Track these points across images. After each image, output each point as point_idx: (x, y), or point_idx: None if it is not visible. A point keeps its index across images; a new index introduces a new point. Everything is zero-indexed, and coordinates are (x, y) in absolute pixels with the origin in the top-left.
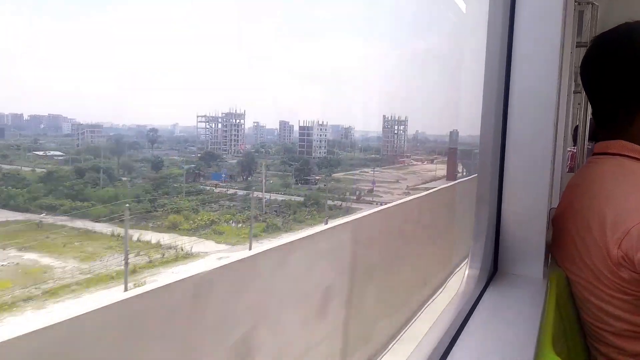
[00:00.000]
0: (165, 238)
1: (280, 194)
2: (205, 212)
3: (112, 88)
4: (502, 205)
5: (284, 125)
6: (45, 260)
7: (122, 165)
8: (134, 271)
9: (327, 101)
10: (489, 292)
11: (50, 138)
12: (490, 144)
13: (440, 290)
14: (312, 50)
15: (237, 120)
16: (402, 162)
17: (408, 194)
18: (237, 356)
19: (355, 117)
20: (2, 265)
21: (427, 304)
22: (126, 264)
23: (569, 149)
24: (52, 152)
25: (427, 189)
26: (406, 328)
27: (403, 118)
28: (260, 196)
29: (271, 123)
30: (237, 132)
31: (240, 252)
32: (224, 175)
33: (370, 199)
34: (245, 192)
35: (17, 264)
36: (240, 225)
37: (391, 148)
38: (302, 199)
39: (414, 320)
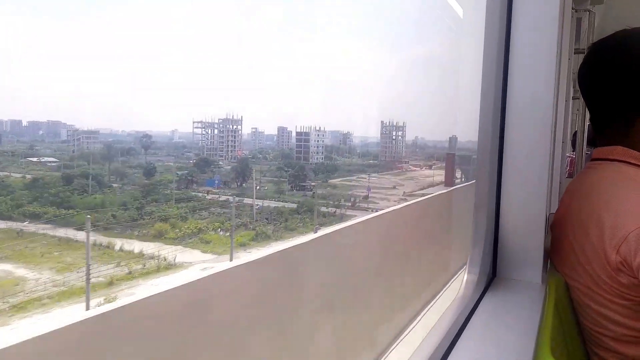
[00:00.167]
0: (150, 247)
1: (274, 200)
2: (193, 220)
3: (114, 94)
4: (500, 211)
5: (282, 131)
6: (20, 271)
7: (114, 172)
8: (110, 283)
9: (327, 107)
10: (488, 297)
11: (47, 144)
12: (488, 149)
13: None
14: (312, 55)
15: (234, 126)
16: (400, 168)
17: (405, 200)
18: None
19: (355, 123)
20: None
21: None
22: (88, 279)
23: (568, 154)
24: (45, 159)
25: (424, 195)
26: None
27: (401, 124)
28: (253, 203)
29: (271, 129)
30: (235, 137)
31: (222, 264)
32: (217, 182)
33: (366, 205)
34: (237, 199)
35: None
36: (228, 234)
37: (389, 154)
38: (295, 205)
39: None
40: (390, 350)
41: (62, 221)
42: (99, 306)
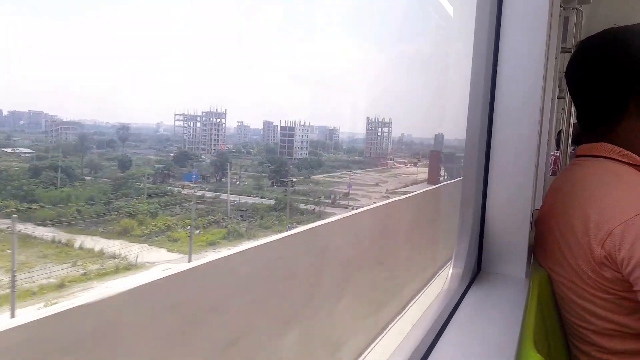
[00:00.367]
0: (114, 245)
1: (252, 196)
2: (163, 217)
3: (100, 86)
4: (486, 206)
5: (268, 125)
6: None
7: (88, 164)
8: (61, 285)
9: (315, 102)
10: (473, 291)
11: (26, 135)
12: (476, 146)
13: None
14: (301, 50)
15: (218, 119)
16: (384, 165)
17: (387, 197)
18: None
19: (343, 118)
20: None
21: None
22: (13, 285)
23: (551, 153)
24: (20, 149)
25: (406, 192)
26: None
27: (387, 120)
28: (231, 199)
29: (260, 123)
30: (218, 131)
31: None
32: (194, 176)
33: (346, 202)
34: (214, 194)
35: None
36: (198, 231)
37: (374, 150)
38: (273, 202)
39: None
40: None
41: (23, 216)
42: (37, 311)
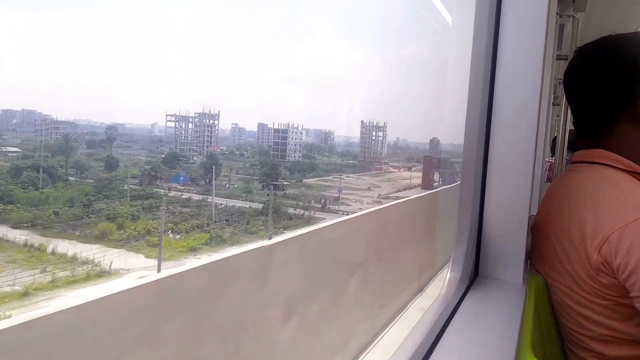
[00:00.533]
0: (90, 250)
1: (240, 200)
2: (144, 220)
3: (96, 85)
4: (484, 211)
5: (262, 127)
6: None
7: (74, 165)
8: (25, 294)
9: (311, 104)
10: (470, 295)
11: (18, 134)
12: (474, 151)
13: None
14: (298, 53)
15: (211, 121)
16: (379, 169)
17: (379, 202)
18: None
19: (338, 121)
20: None
21: None
22: None
23: (546, 159)
24: (8, 148)
25: (398, 197)
26: None
27: (382, 124)
28: (218, 202)
29: (254, 125)
30: (211, 132)
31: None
32: (182, 178)
33: (337, 207)
34: (201, 197)
35: None
36: (179, 236)
37: (368, 154)
38: (260, 206)
39: None
40: None
41: None
42: None
